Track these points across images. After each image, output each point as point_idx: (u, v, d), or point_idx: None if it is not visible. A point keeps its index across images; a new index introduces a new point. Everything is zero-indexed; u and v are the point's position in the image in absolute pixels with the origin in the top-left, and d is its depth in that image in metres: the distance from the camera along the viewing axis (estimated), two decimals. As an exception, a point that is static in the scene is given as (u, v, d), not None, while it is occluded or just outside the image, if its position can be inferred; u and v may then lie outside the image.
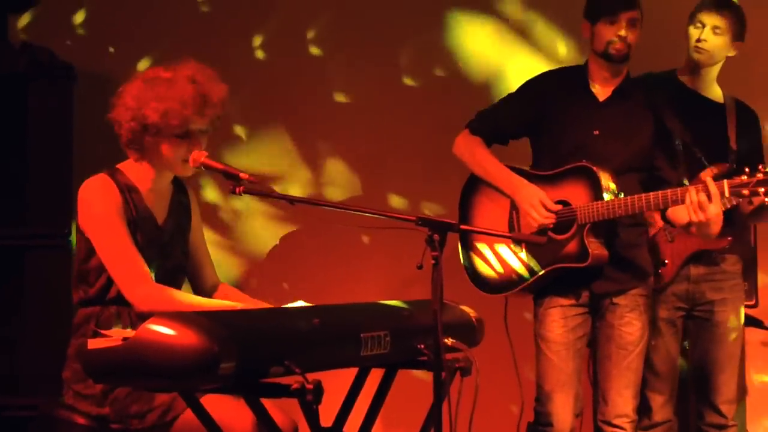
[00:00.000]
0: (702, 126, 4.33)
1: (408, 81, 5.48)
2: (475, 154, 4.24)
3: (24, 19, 5.41)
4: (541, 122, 4.20)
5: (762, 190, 3.70)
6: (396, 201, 5.44)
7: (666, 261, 4.33)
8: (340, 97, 5.50)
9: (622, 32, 4.06)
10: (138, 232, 3.34)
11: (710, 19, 4.32)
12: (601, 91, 4.19)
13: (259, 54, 5.49)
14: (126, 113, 3.32)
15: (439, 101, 5.37)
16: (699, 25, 4.33)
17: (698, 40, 4.32)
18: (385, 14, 5.47)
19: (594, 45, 4.14)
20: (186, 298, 3.25)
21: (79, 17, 5.53)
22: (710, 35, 4.30)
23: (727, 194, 3.77)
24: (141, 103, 3.30)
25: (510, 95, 4.33)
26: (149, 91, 3.31)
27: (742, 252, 4.45)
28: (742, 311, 4.45)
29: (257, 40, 5.50)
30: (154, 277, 3.30)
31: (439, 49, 5.47)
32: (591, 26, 4.14)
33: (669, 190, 3.86)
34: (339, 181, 5.47)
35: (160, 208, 3.46)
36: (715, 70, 4.41)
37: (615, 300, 4.11)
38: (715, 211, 3.76)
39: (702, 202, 3.76)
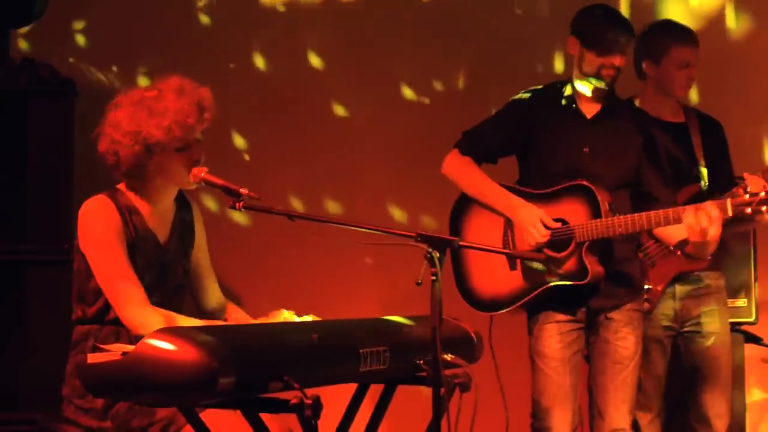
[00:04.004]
0: (667, 150, 4.38)
1: (408, 94, 5.49)
2: (467, 174, 4.23)
3: (25, 34, 5.42)
4: (529, 140, 4.18)
5: (764, 208, 3.75)
6: (397, 214, 5.45)
7: (649, 286, 4.36)
8: (339, 111, 5.52)
9: (617, 62, 4.05)
10: (138, 254, 3.31)
11: (694, 57, 4.39)
12: (589, 108, 4.18)
13: (259, 66, 5.50)
14: (125, 138, 3.27)
15: (439, 114, 5.38)
16: (684, 64, 4.38)
17: (688, 79, 4.39)
18: (385, 27, 5.48)
19: (583, 66, 4.10)
20: (183, 321, 3.23)
21: (82, 32, 5.54)
22: (694, 70, 4.39)
23: (730, 213, 3.80)
24: (141, 125, 3.26)
25: (497, 114, 4.31)
26: (144, 111, 3.27)
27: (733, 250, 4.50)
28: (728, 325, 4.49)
29: (257, 54, 5.51)
30: (155, 298, 3.27)
31: (439, 62, 5.49)
32: (581, 47, 4.11)
33: (670, 209, 3.88)
34: (338, 193, 5.48)
35: (163, 227, 3.44)
36: None
37: (609, 315, 4.12)
38: (715, 233, 3.81)
39: (704, 228, 3.79)
